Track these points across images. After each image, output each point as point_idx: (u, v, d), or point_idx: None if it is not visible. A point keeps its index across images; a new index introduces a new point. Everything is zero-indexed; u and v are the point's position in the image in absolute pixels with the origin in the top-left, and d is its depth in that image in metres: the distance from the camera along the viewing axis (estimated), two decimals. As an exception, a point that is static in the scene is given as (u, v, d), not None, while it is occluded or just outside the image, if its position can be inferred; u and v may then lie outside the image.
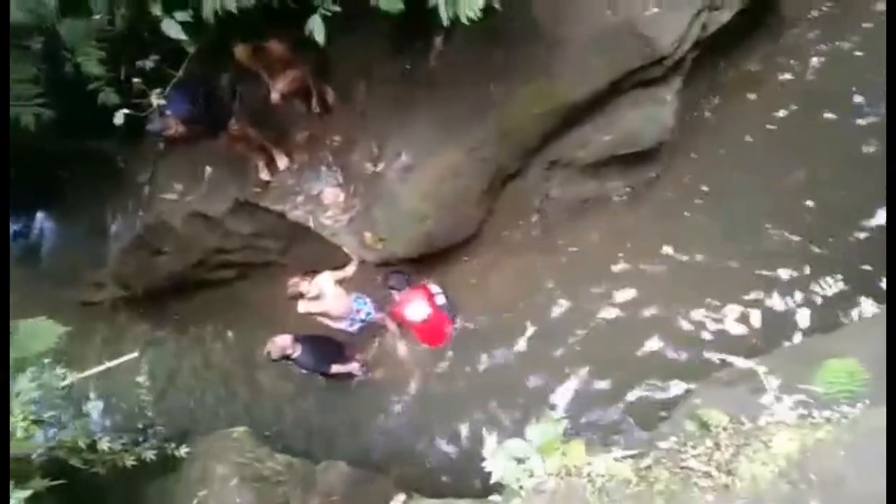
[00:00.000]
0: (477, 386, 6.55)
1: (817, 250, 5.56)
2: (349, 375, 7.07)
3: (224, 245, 7.93)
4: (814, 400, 1.99)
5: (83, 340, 9.47)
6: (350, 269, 6.59)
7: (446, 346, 6.89)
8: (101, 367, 5.72)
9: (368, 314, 6.81)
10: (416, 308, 6.57)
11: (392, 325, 7.08)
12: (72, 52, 5.17)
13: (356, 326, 6.81)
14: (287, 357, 6.32)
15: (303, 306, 6.30)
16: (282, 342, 6.22)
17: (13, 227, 9.71)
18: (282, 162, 6.93)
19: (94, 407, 7.10)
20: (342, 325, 6.70)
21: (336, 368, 6.65)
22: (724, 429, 1.97)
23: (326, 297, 6.34)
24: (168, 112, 5.59)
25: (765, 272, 5.70)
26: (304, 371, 6.67)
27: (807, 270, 5.51)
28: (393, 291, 6.71)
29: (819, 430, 1.74)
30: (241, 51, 5.76)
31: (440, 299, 6.79)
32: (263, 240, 7.78)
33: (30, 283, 9.25)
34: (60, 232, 9.73)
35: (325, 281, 6.35)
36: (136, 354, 6.41)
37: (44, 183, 8.80)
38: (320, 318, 6.52)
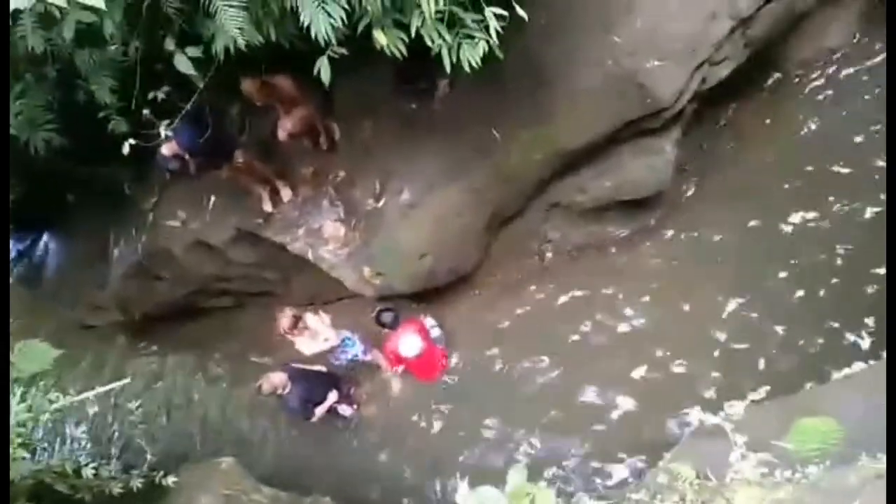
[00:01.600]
0: (469, 425, 6.50)
1: (810, 303, 5.56)
2: (338, 413, 7.05)
3: (224, 274, 7.98)
4: (779, 459, 2.00)
5: (78, 363, 9.47)
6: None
7: (440, 380, 6.87)
8: (93, 392, 5.71)
9: (356, 356, 6.85)
10: (409, 343, 6.57)
11: (384, 363, 7.07)
12: (85, 80, 5.31)
13: (341, 362, 6.87)
14: (277, 394, 6.35)
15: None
16: (276, 380, 6.24)
17: (18, 247, 9.79)
18: (286, 194, 7.02)
19: (85, 432, 7.07)
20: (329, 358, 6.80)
21: (320, 413, 6.61)
22: (692, 484, 1.98)
23: (310, 334, 6.48)
24: (175, 143, 5.71)
25: (753, 324, 5.70)
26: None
27: (798, 324, 5.50)
28: (385, 330, 6.72)
29: (780, 490, 1.74)
30: (248, 84, 5.89)
31: (435, 332, 6.81)
32: (263, 270, 7.84)
33: (31, 303, 9.30)
34: (64, 254, 9.79)
35: (311, 318, 6.47)
36: (128, 380, 6.42)
37: (51, 205, 8.90)
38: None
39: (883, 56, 6.55)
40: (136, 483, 4.84)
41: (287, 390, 6.28)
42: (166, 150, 5.82)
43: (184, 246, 7.57)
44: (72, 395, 4.96)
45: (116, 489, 4.73)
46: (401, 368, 6.87)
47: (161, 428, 8.37)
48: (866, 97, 6.43)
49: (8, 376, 3.89)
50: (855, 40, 6.79)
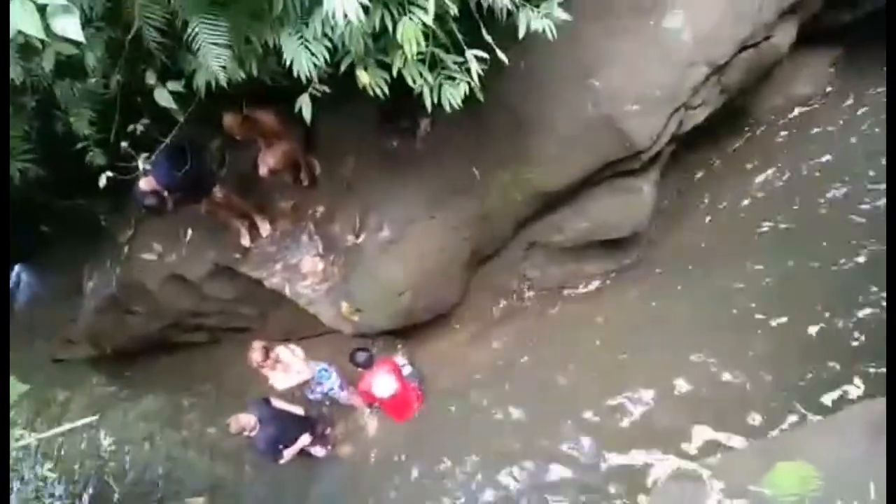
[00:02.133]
0: (446, 465, 6.37)
1: (787, 347, 5.58)
2: (310, 455, 6.91)
3: (200, 309, 7.87)
4: (758, 504, 1.97)
5: (48, 398, 9.22)
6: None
7: (415, 417, 6.78)
8: (61, 429, 5.56)
9: (331, 389, 6.75)
10: (383, 383, 6.48)
11: (359, 403, 6.97)
12: (64, 112, 5.28)
13: (316, 395, 6.79)
14: (246, 435, 6.25)
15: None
16: (244, 421, 6.15)
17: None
18: (264, 229, 6.98)
19: (51, 469, 6.86)
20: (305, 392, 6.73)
21: (288, 455, 6.48)
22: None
23: (282, 367, 6.41)
24: (152, 178, 5.66)
25: (726, 366, 5.69)
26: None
27: (782, 364, 5.50)
28: (359, 369, 6.64)
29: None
30: (229, 119, 5.89)
31: (406, 369, 6.75)
32: (240, 306, 7.74)
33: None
34: (37, 286, 9.63)
35: (283, 351, 6.44)
36: (96, 417, 6.25)
37: (25, 236, 8.77)
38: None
39: (852, 104, 6.74)
40: (107, 525, 4.68)
41: (255, 431, 6.15)
42: (144, 185, 5.78)
43: (159, 280, 7.47)
44: (38, 431, 4.82)
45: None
46: (376, 406, 6.78)
47: (131, 465, 8.14)
48: (837, 147, 6.57)
49: (8, 378, 3.76)
50: (827, 90, 6.98)
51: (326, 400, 6.96)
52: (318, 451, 6.92)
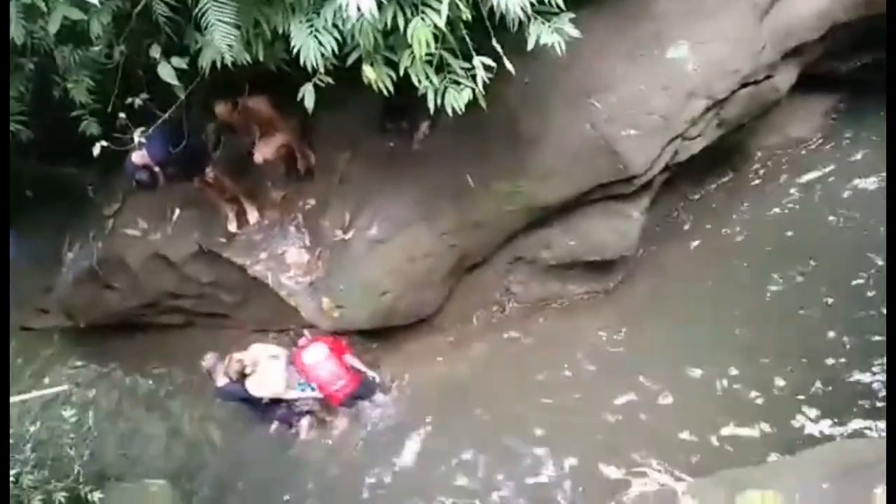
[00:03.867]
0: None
1: (764, 377, 5.64)
2: (289, 417, 6.86)
3: (179, 290, 7.79)
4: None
5: (17, 366, 9.07)
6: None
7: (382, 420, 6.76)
8: (28, 396, 5.48)
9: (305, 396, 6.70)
10: (314, 353, 6.42)
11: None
12: (63, 78, 5.22)
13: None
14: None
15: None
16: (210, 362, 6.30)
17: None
18: (252, 216, 6.94)
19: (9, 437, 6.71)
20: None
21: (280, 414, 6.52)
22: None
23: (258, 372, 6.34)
24: (145, 153, 5.61)
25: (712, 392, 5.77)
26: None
27: (765, 391, 5.57)
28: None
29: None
30: (221, 108, 5.89)
31: (353, 361, 6.70)
32: (220, 291, 7.66)
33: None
34: (15, 252, 9.45)
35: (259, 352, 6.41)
36: (66, 388, 6.16)
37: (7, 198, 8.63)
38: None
39: (847, 148, 6.86)
40: (60, 497, 4.60)
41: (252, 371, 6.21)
42: (136, 158, 5.73)
43: (141, 257, 7.39)
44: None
45: (36, 500, 4.48)
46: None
47: (93, 441, 8.00)
48: (828, 190, 6.69)
49: (8, 375, 3.71)
50: (821, 133, 7.10)
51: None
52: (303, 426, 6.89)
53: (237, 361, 6.30)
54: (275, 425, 7.00)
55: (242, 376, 6.31)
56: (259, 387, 6.44)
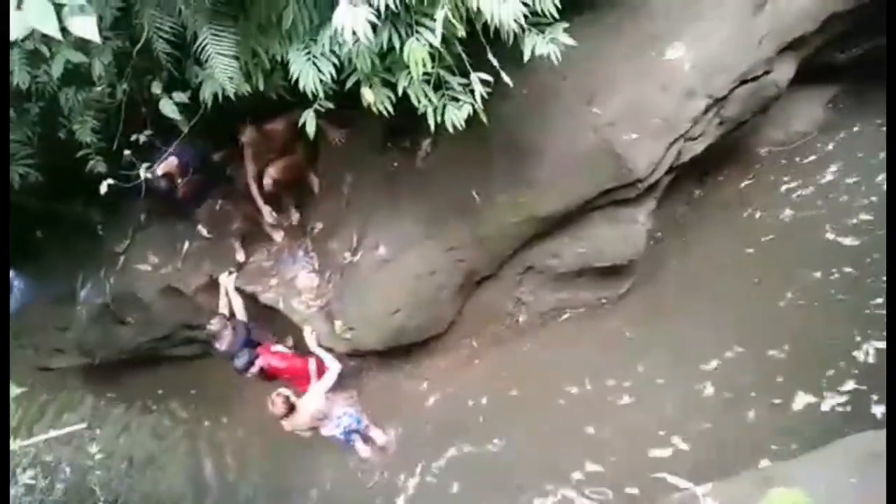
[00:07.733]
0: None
1: (775, 375, 5.59)
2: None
3: (193, 321, 7.82)
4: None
5: (33, 406, 9.12)
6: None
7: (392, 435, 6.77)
8: (45, 436, 5.49)
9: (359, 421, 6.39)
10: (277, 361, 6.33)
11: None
12: (68, 119, 5.30)
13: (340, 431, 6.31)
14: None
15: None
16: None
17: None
18: (277, 235, 6.99)
19: (32, 477, 6.73)
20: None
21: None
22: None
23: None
24: (175, 161, 5.68)
25: (726, 395, 5.71)
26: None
27: (774, 393, 5.52)
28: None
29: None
30: (250, 131, 5.97)
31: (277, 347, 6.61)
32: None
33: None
34: (29, 293, 9.53)
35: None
36: (83, 425, 6.16)
37: (20, 242, 8.71)
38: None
39: (847, 139, 6.84)
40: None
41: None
42: (161, 168, 5.76)
43: (154, 291, 7.45)
44: (23, 438, 4.75)
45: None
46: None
47: (117, 478, 8.01)
48: (834, 185, 6.65)
49: (8, 380, 3.71)
50: (823, 125, 7.07)
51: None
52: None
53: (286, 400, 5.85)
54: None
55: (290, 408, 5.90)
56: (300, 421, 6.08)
